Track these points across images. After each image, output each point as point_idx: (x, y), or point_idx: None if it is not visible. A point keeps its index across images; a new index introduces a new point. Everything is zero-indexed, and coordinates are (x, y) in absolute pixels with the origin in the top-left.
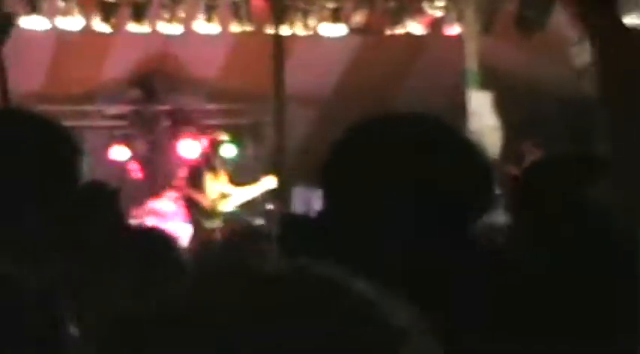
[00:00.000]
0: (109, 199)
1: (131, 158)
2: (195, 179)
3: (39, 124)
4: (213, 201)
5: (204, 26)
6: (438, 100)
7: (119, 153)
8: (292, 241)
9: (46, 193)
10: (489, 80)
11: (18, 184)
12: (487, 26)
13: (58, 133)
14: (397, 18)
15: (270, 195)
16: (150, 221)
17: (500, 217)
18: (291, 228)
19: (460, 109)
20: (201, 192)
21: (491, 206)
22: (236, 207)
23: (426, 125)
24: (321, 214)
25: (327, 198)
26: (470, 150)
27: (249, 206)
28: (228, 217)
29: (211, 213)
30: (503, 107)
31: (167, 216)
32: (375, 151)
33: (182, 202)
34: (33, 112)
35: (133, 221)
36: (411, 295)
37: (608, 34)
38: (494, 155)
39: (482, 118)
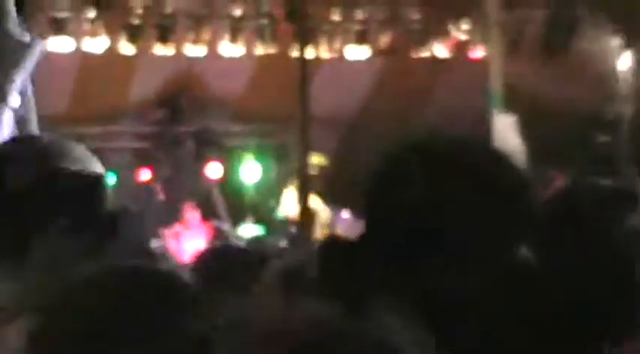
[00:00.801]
0: (132, 224)
1: (154, 179)
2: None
3: (62, 150)
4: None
5: (229, 48)
6: (463, 122)
7: (144, 174)
8: (334, 265)
9: (70, 219)
10: (514, 103)
11: (39, 209)
12: (512, 49)
13: (82, 158)
14: (422, 40)
15: (293, 218)
16: (172, 244)
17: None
18: (335, 251)
19: (484, 131)
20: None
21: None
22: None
23: (473, 149)
24: (362, 237)
25: (369, 221)
26: (516, 175)
27: (273, 229)
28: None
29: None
30: (527, 129)
31: (188, 237)
32: (426, 173)
33: (203, 221)
34: (57, 139)
35: (154, 244)
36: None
37: None
38: None
39: (507, 140)
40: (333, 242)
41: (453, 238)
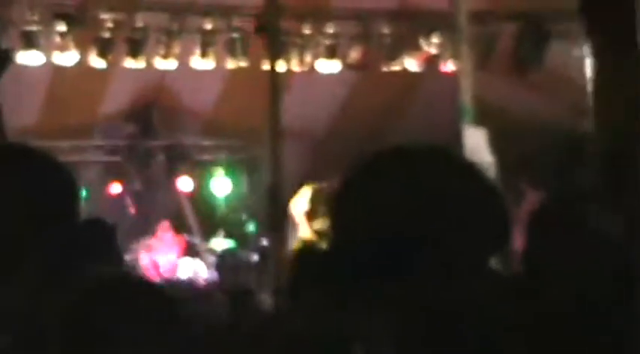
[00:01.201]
0: (105, 237)
1: (124, 193)
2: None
3: (35, 161)
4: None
5: (200, 62)
6: (434, 136)
7: (115, 188)
8: (307, 272)
9: (42, 231)
10: (485, 117)
11: (14, 222)
12: (483, 63)
13: (55, 170)
14: (393, 54)
15: (265, 230)
16: (144, 257)
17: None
18: (308, 259)
19: (456, 145)
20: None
21: (506, 243)
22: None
23: (440, 158)
24: (332, 247)
25: (337, 232)
26: (485, 184)
27: (244, 242)
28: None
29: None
30: (498, 143)
31: (160, 251)
32: (391, 184)
33: (175, 235)
34: (29, 148)
35: (126, 258)
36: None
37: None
38: None
39: (478, 154)
40: (307, 251)
41: (430, 245)
